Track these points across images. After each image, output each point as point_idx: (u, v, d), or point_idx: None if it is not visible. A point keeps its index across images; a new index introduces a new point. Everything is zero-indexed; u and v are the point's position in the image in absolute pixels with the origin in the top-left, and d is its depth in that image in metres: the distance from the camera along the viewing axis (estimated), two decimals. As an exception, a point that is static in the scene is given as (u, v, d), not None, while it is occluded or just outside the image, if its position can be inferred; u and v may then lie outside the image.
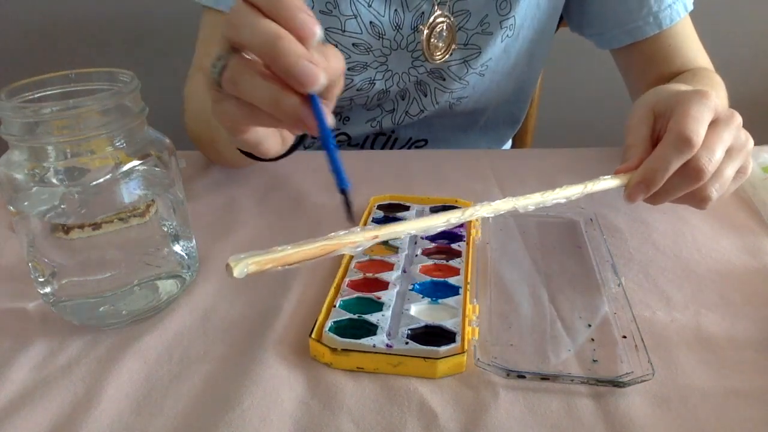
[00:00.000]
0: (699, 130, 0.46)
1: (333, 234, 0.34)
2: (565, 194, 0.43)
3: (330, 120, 0.36)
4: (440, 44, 0.71)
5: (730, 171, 0.48)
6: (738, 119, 0.49)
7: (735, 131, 0.48)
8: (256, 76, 0.36)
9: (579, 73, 1.43)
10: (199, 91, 0.66)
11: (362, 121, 0.81)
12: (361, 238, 0.35)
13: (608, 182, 0.47)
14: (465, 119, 0.84)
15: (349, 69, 0.72)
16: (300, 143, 0.49)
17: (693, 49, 0.72)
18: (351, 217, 0.36)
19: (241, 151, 0.50)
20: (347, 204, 0.35)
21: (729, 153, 0.47)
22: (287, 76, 0.34)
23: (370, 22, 0.70)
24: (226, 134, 0.43)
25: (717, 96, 0.51)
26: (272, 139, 0.43)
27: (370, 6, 0.69)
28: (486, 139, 0.89)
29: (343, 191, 0.35)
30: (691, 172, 0.46)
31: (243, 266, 0.31)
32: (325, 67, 0.35)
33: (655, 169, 0.46)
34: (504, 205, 0.40)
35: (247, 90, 0.36)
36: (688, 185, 0.47)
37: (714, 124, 0.47)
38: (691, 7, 0.71)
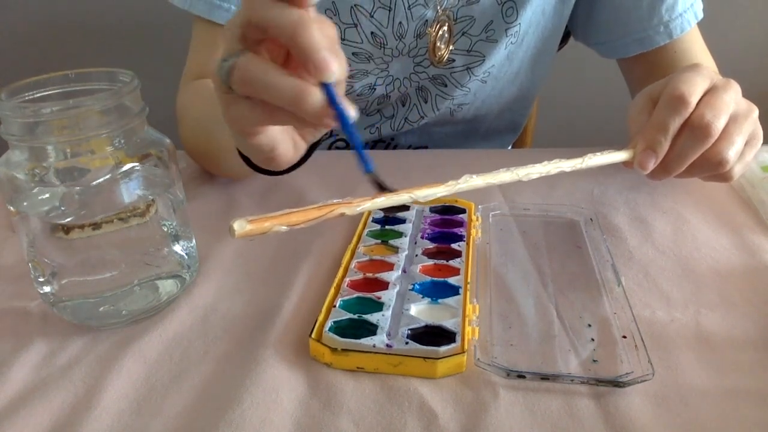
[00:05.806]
0: (690, 89, 0.46)
1: (331, 201, 0.35)
2: (569, 164, 0.44)
3: (352, 112, 0.34)
4: (442, 45, 0.70)
5: (740, 137, 0.47)
6: (736, 86, 0.48)
7: (734, 95, 0.47)
8: (272, 71, 0.33)
9: (578, 74, 1.43)
10: (195, 100, 0.64)
11: (361, 127, 0.79)
12: (360, 200, 0.35)
13: (613, 155, 0.47)
14: (466, 126, 0.82)
15: (348, 77, 0.71)
16: (310, 154, 0.48)
17: (698, 55, 0.70)
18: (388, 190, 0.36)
19: (248, 163, 0.48)
20: (378, 184, 0.36)
21: (735, 119, 0.47)
22: (307, 61, 0.32)
23: (372, 33, 0.68)
24: (234, 141, 0.41)
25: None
26: (287, 143, 0.41)
27: (372, 17, 0.67)
28: (487, 147, 0.87)
29: (369, 173, 0.36)
30: (696, 129, 0.46)
31: (243, 222, 0.32)
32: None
33: (654, 131, 0.47)
34: (504, 175, 0.40)
35: (262, 87, 0.33)
36: (698, 145, 0.46)
37: (711, 90, 0.47)
38: (701, 15, 0.69)
